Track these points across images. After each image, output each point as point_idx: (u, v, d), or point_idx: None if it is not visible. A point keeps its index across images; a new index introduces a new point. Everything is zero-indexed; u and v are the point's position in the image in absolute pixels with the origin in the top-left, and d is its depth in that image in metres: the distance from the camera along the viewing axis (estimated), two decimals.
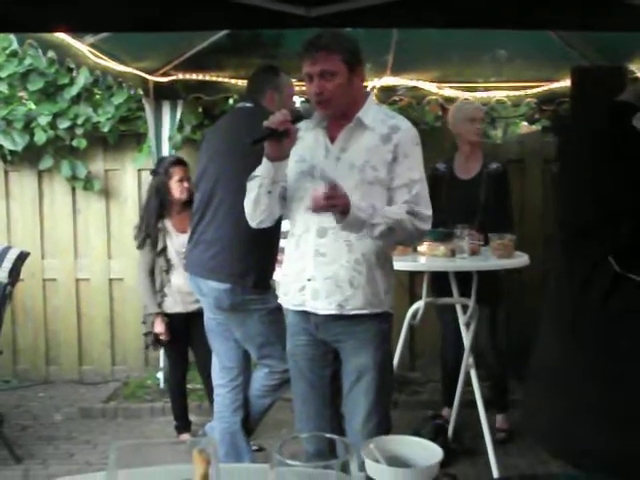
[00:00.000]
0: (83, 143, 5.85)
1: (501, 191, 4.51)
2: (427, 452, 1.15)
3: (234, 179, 3.41)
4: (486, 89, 5.74)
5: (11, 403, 5.65)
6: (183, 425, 4.75)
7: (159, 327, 4.48)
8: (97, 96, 6.01)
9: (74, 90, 5.77)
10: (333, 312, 2.74)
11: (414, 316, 4.19)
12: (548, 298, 2.06)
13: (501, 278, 4.57)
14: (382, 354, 2.81)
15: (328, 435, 1.08)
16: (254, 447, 4.16)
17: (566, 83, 5.24)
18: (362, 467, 1.13)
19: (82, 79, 5.62)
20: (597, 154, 1.85)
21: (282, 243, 3.83)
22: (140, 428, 5.15)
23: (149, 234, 4.50)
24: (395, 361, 4.18)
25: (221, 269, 3.63)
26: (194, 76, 5.55)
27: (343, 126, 2.76)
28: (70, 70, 5.09)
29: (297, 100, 5.54)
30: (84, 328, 6.17)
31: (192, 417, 4.84)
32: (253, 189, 2.80)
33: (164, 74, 5.51)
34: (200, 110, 6.01)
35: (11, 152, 5.87)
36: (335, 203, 2.50)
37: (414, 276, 5.59)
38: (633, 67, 4.83)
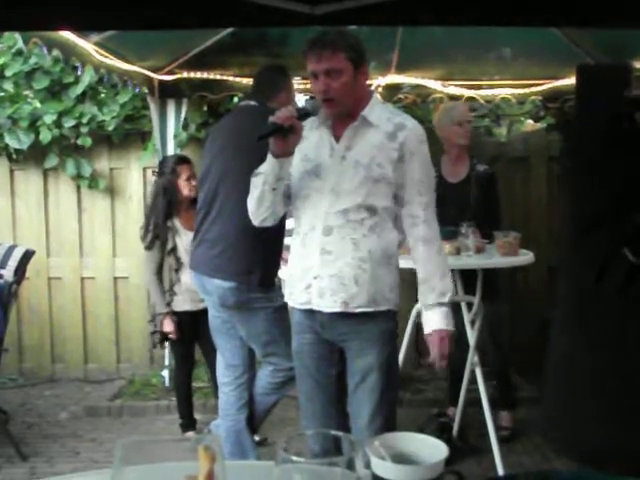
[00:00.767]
0: (88, 142, 5.85)
1: (490, 192, 4.50)
2: (432, 449, 1.15)
3: (238, 177, 3.41)
4: (491, 87, 5.73)
5: (17, 401, 5.66)
6: (188, 423, 4.76)
7: (168, 326, 4.48)
8: (102, 95, 6.02)
9: (79, 89, 5.78)
10: (338, 310, 2.73)
11: (419, 314, 4.18)
12: (560, 298, 2.05)
13: (502, 276, 4.57)
14: (387, 354, 2.81)
15: (333, 432, 1.08)
16: (257, 438, 4.16)
17: (571, 81, 5.23)
18: (368, 464, 1.13)
19: (87, 78, 5.63)
20: (607, 149, 1.82)
21: (287, 241, 3.84)
22: (145, 426, 5.16)
23: (158, 234, 4.50)
24: (400, 359, 4.18)
25: (226, 267, 3.63)
26: (199, 74, 5.55)
27: (348, 125, 2.75)
28: (75, 69, 5.10)
29: (301, 98, 5.55)
30: (89, 326, 6.18)
31: (197, 415, 4.85)
32: (257, 186, 2.79)
33: (169, 72, 5.51)
34: (205, 108, 6.02)
35: (16, 151, 5.88)
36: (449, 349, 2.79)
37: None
38: (639, 65, 4.81)
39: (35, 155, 5.96)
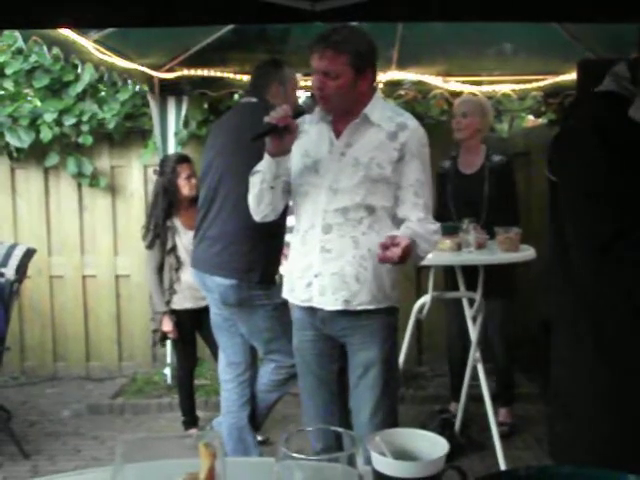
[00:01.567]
0: (89, 140, 5.85)
1: (505, 184, 4.49)
2: (433, 445, 1.15)
3: (239, 174, 3.41)
4: (492, 82, 5.72)
5: (19, 399, 5.67)
6: (190, 420, 4.77)
7: (167, 326, 4.50)
8: (102, 93, 6.02)
9: (79, 87, 5.78)
10: (340, 308, 2.73)
11: (421, 310, 4.18)
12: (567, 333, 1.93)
13: (510, 271, 4.56)
14: (388, 349, 2.81)
15: (334, 428, 1.08)
16: (260, 438, 4.16)
17: (572, 76, 5.22)
18: (368, 461, 1.13)
19: (87, 76, 5.63)
20: (605, 161, 1.74)
21: (288, 237, 3.84)
22: (147, 424, 5.16)
23: (158, 234, 4.50)
24: (402, 355, 4.19)
25: (226, 265, 3.63)
26: (199, 72, 5.54)
27: (349, 121, 2.74)
28: (75, 67, 5.09)
29: (303, 95, 5.54)
30: (91, 324, 6.19)
31: (199, 413, 4.86)
32: (255, 184, 2.80)
33: (169, 70, 5.51)
34: (205, 106, 6.02)
35: (17, 149, 5.89)
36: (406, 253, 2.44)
37: (421, 270, 5.58)
38: None
39: (36, 153, 5.96)
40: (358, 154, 2.71)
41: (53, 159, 5.92)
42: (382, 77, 5.64)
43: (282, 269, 3.79)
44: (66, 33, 3.98)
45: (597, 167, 1.73)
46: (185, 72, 5.53)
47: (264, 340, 3.78)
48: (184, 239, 4.48)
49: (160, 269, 4.53)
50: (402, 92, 5.81)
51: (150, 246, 4.53)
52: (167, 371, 5.77)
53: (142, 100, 5.93)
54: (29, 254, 4.81)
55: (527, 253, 4.05)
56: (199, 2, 3.27)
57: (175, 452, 1.09)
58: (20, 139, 5.76)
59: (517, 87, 5.72)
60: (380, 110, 2.77)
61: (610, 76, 1.83)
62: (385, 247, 2.43)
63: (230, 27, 4.93)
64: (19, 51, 5.71)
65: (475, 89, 5.65)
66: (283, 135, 2.63)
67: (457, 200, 4.52)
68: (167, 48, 5.23)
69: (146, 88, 5.51)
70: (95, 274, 6.14)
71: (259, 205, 2.84)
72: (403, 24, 4.85)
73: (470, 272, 4.10)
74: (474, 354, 4.18)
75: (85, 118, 5.82)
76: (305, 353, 2.93)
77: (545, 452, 4.09)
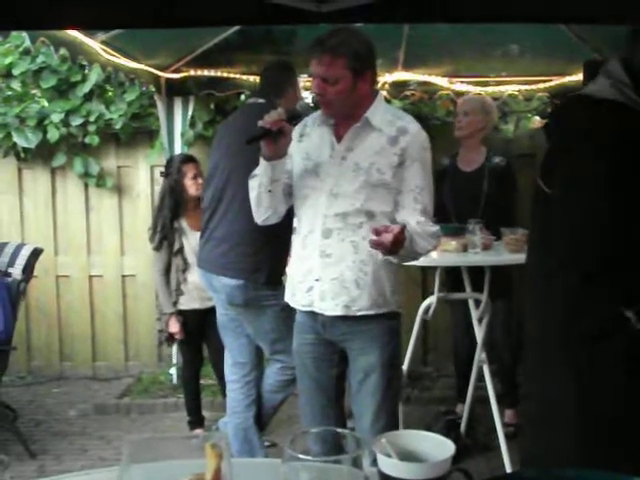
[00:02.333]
0: (95, 140, 5.86)
1: (505, 185, 4.50)
2: (439, 447, 1.15)
3: (245, 175, 3.40)
4: (498, 83, 5.72)
5: (25, 399, 5.68)
6: (196, 421, 4.77)
7: (174, 327, 4.50)
8: (109, 93, 6.03)
9: (86, 87, 5.79)
10: (340, 313, 2.73)
11: (426, 311, 4.18)
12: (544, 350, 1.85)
13: (513, 272, 4.56)
14: (389, 353, 2.80)
15: (340, 430, 1.08)
16: (267, 443, 4.17)
17: (578, 77, 5.21)
18: (374, 462, 1.13)
19: (94, 76, 5.64)
20: (607, 180, 1.61)
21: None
22: (153, 424, 5.17)
23: (166, 235, 4.51)
24: (407, 357, 4.19)
25: (233, 265, 3.64)
26: (206, 72, 5.55)
27: (350, 125, 2.73)
28: (82, 67, 5.10)
29: (308, 96, 5.55)
30: (97, 324, 6.20)
31: (205, 413, 4.86)
32: (254, 188, 2.80)
33: (176, 71, 5.51)
34: (212, 106, 6.02)
35: (24, 149, 5.89)
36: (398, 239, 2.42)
37: (426, 271, 5.58)
38: None
39: (43, 154, 5.98)
40: (359, 159, 2.70)
41: (60, 159, 5.93)
42: (388, 78, 5.64)
43: (288, 270, 3.80)
44: (73, 34, 3.99)
45: (596, 185, 1.64)
46: (192, 73, 5.54)
47: (270, 341, 3.79)
48: (191, 240, 4.48)
49: (167, 270, 4.54)
50: (408, 93, 5.81)
51: (158, 248, 4.53)
52: (173, 371, 5.77)
53: (149, 100, 5.94)
54: (36, 254, 4.82)
55: None
56: (205, 3, 3.27)
57: (181, 453, 1.09)
58: (27, 139, 5.77)
59: (523, 88, 5.72)
60: (381, 114, 2.75)
61: (606, 78, 1.72)
62: (378, 233, 2.42)
63: (236, 28, 4.94)
64: (26, 52, 5.72)
65: (481, 90, 5.64)
66: (277, 139, 2.63)
67: (455, 197, 4.52)
68: (174, 49, 5.24)
69: (153, 89, 5.51)
70: (101, 274, 6.15)
71: (259, 208, 2.84)
72: (409, 25, 4.85)
73: (476, 273, 4.09)
74: (480, 355, 4.17)
75: (92, 118, 5.83)
76: (304, 356, 2.93)
77: None
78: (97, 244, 6.14)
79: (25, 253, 4.75)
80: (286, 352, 3.71)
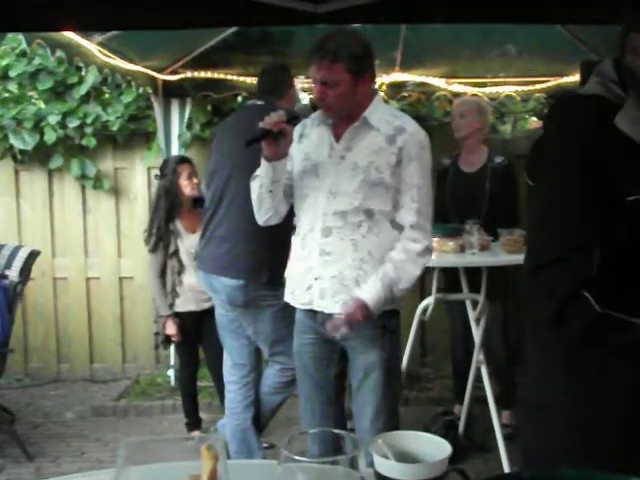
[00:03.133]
0: (92, 142, 5.86)
1: (507, 185, 4.50)
2: (436, 447, 1.15)
3: (245, 175, 3.41)
4: (495, 84, 5.72)
5: (23, 401, 5.67)
6: (194, 422, 4.76)
7: (171, 329, 4.49)
8: (106, 95, 6.03)
9: (83, 89, 5.79)
10: (339, 311, 2.74)
11: (424, 312, 4.18)
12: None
13: (510, 273, 4.56)
14: (389, 352, 2.81)
15: (337, 431, 1.08)
16: (265, 444, 4.16)
17: (575, 78, 5.22)
18: (371, 463, 1.13)
19: (91, 78, 5.63)
20: (576, 168, 1.62)
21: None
22: (151, 426, 5.16)
23: (161, 237, 4.50)
24: (405, 357, 4.19)
25: (234, 265, 3.63)
26: (203, 74, 5.55)
27: (348, 124, 2.75)
28: (79, 69, 5.10)
29: (305, 96, 5.55)
30: (95, 326, 6.19)
31: (203, 415, 4.85)
32: (255, 189, 2.82)
33: (172, 72, 5.51)
34: (209, 108, 6.02)
35: (21, 151, 5.89)
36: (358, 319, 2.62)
37: (424, 272, 5.56)
38: None
39: (40, 156, 5.97)
40: (357, 158, 2.72)
41: (57, 161, 5.92)
42: (385, 79, 5.65)
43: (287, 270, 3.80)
44: (70, 36, 3.99)
45: (568, 178, 1.64)
46: (189, 74, 5.54)
47: (270, 342, 3.78)
48: (186, 242, 4.48)
49: (163, 273, 4.53)
50: (406, 94, 5.81)
51: (153, 250, 4.52)
52: (170, 373, 5.77)
53: (146, 102, 5.94)
54: (33, 256, 4.82)
55: None
56: (202, 5, 3.27)
57: (177, 454, 1.09)
58: (24, 141, 5.77)
59: (520, 89, 5.72)
60: (380, 113, 2.77)
61: (596, 76, 1.73)
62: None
63: (233, 29, 4.94)
64: (23, 53, 5.71)
65: (478, 91, 5.65)
66: (278, 140, 2.64)
67: (457, 197, 4.53)
68: (170, 50, 5.24)
69: (150, 90, 5.51)
70: (99, 276, 6.14)
71: (260, 209, 2.86)
72: (406, 26, 4.85)
73: (473, 274, 4.10)
74: (478, 356, 4.17)
75: (89, 120, 5.83)
76: (304, 356, 2.93)
77: None
78: (94, 246, 6.14)
79: (22, 255, 4.74)
80: (285, 354, 3.71)
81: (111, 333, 6.19)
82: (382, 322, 2.78)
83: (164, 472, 1.05)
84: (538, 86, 5.70)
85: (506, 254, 3.98)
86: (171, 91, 5.57)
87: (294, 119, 2.74)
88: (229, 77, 5.61)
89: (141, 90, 5.60)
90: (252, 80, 5.31)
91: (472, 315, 4.15)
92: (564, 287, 1.60)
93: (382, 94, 5.36)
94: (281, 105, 3.62)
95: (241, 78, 5.62)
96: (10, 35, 5.02)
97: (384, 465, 1.10)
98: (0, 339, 4.50)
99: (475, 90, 5.64)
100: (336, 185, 2.71)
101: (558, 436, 1.77)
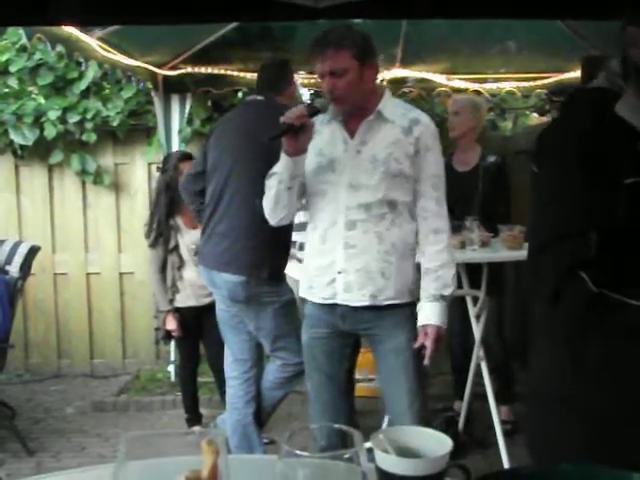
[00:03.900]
0: (93, 137, 5.86)
1: (499, 184, 4.50)
2: (437, 443, 1.14)
3: (248, 171, 3.42)
4: (496, 80, 5.72)
5: (23, 397, 5.68)
6: (194, 418, 4.76)
7: (171, 324, 4.49)
8: (106, 90, 6.02)
9: (83, 84, 5.79)
10: (366, 303, 2.75)
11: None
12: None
13: (506, 269, 4.56)
14: (414, 336, 2.80)
15: (337, 426, 1.07)
16: (266, 440, 4.17)
17: (576, 74, 5.21)
18: (371, 458, 1.13)
19: (91, 73, 5.64)
20: (575, 153, 1.67)
21: (294, 237, 3.86)
22: (151, 421, 5.17)
23: (161, 232, 4.50)
24: None
25: (235, 261, 3.63)
26: (203, 69, 5.55)
27: (360, 119, 2.76)
28: (79, 64, 5.09)
29: (305, 92, 5.54)
30: (95, 322, 6.20)
31: (203, 410, 4.85)
32: (272, 186, 2.79)
33: (173, 68, 5.51)
34: (209, 103, 6.02)
35: (21, 147, 5.89)
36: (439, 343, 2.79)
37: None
38: None
39: (40, 151, 5.97)
40: (375, 151, 2.73)
41: (57, 157, 5.92)
42: (386, 75, 5.64)
43: (287, 269, 3.80)
44: (70, 30, 3.98)
45: (568, 163, 1.69)
46: (189, 70, 5.54)
47: (271, 337, 3.78)
48: (186, 238, 4.48)
49: (163, 268, 4.53)
50: (406, 90, 5.80)
51: (153, 245, 4.52)
52: (171, 368, 5.77)
53: (146, 98, 5.94)
54: (33, 251, 4.81)
55: None
56: (202, 0, 3.27)
57: (178, 449, 1.09)
58: (24, 137, 5.77)
59: (521, 85, 5.72)
60: (392, 107, 2.80)
61: (603, 72, 1.78)
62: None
63: (234, 25, 4.93)
64: (23, 48, 5.72)
65: (479, 87, 5.64)
66: (299, 134, 2.64)
67: (450, 196, 4.52)
68: (171, 46, 5.23)
69: (150, 86, 5.51)
70: (99, 271, 6.15)
71: (276, 208, 2.82)
72: (407, 21, 4.85)
73: (473, 270, 4.09)
74: (478, 352, 4.17)
75: (89, 116, 5.83)
76: (315, 350, 2.92)
77: None
78: (94, 241, 6.14)
79: (22, 251, 4.74)
80: (287, 349, 3.71)
81: (111, 328, 6.19)
82: (404, 311, 2.80)
83: (164, 467, 1.05)
84: (539, 82, 5.69)
85: (506, 250, 3.98)
86: (171, 86, 5.57)
87: (314, 114, 2.73)
88: (229, 73, 5.61)
89: (141, 85, 5.60)
90: (252, 76, 5.30)
91: (472, 311, 4.15)
92: (560, 266, 1.64)
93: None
94: (281, 101, 3.63)
95: (241, 74, 5.62)
96: (10, 30, 5.02)
97: (385, 460, 1.10)
98: (0, 335, 4.50)
99: (476, 86, 5.64)
100: (356, 179, 2.72)
101: (565, 425, 1.78)
